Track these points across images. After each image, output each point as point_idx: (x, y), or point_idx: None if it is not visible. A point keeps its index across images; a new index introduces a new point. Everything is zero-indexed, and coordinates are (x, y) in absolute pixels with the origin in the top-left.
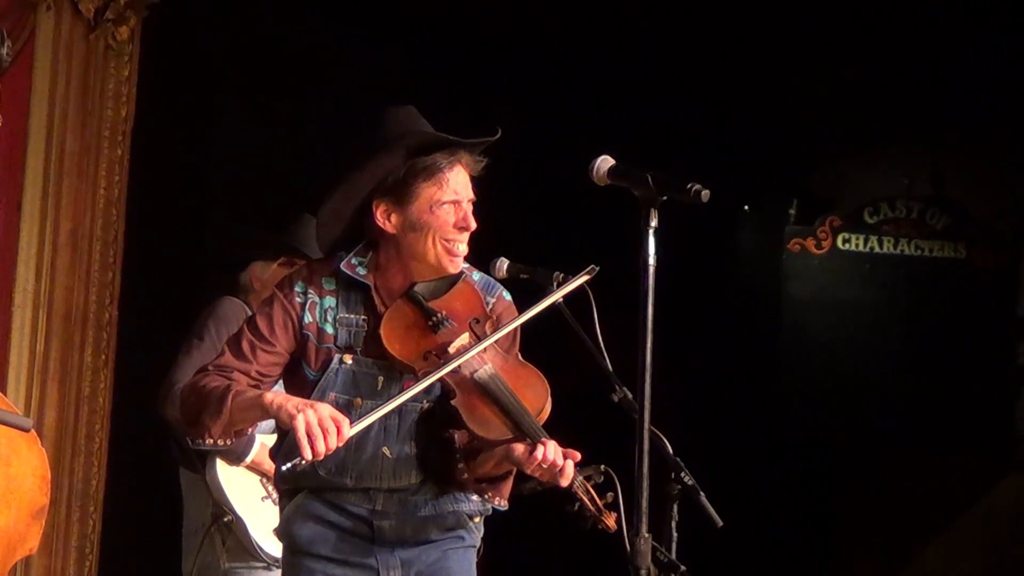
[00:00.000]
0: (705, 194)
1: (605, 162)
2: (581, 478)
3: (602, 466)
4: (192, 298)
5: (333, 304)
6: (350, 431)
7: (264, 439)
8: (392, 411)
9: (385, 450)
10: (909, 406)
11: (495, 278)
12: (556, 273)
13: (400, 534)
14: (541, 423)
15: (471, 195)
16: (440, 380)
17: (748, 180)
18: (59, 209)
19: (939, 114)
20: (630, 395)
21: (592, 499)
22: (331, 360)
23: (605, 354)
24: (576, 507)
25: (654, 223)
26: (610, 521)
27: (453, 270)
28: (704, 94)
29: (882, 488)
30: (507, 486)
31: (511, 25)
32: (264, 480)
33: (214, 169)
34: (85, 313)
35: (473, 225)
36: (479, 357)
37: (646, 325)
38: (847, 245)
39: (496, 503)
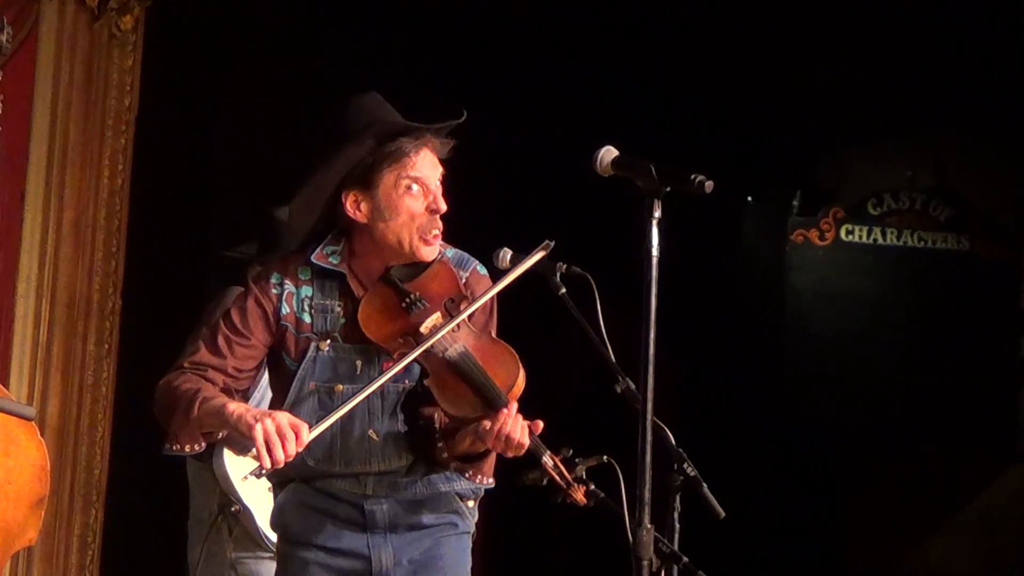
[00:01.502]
0: (709, 185)
1: (609, 153)
2: (549, 453)
3: (605, 457)
4: (195, 287)
5: (309, 293)
6: (310, 435)
7: None
8: (374, 393)
9: (371, 433)
10: (912, 398)
11: (499, 269)
12: (559, 264)
13: (392, 518)
14: (513, 399)
15: (439, 176)
16: (417, 360)
17: (752, 171)
18: (62, 198)
19: (942, 106)
20: (633, 386)
21: (561, 473)
22: (309, 348)
23: (608, 345)
24: (545, 481)
25: (657, 214)
26: (579, 495)
27: (428, 257)
28: (707, 86)
29: (885, 479)
30: (487, 463)
31: (517, 16)
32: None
33: (218, 158)
34: (88, 302)
35: (443, 207)
36: (450, 336)
37: (649, 316)
38: (850, 237)
39: (479, 481)
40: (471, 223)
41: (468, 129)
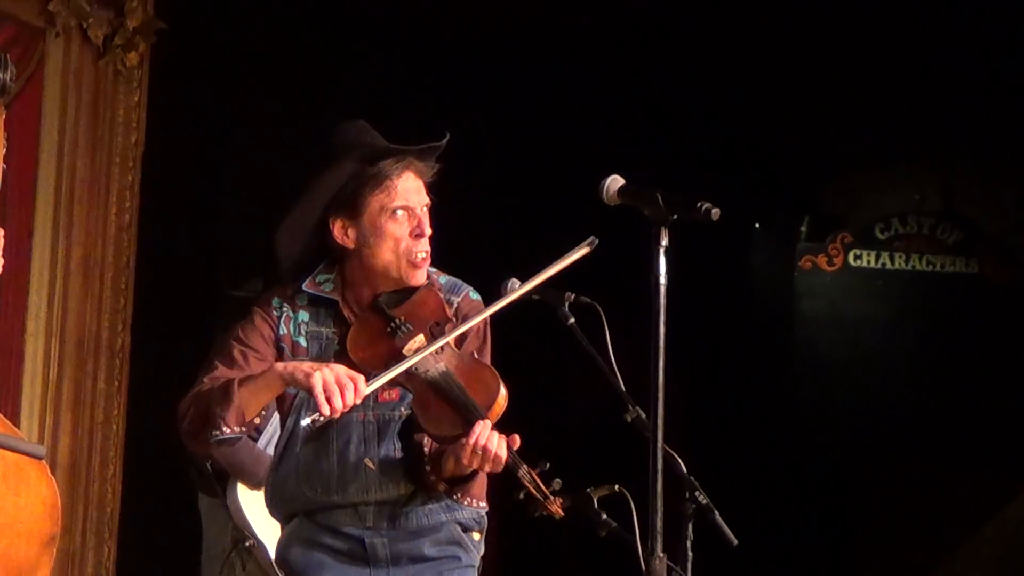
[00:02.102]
0: (715, 212)
1: (615, 182)
2: (526, 467)
3: (616, 486)
4: (204, 323)
5: (306, 319)
6: (367, 388)
7: None
8: (370, 421)
9: (368, 461)
10: (923, 422)
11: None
12: (567, 293)
13: (394, 551)
14: (494, 417)
15: (425, 201)
16: (401, 383)
17: (759, 198)
18: (70, 236)
19: (949, 129)
20: (643, 415)
21: (538, 487)
22: None
23: (618, 374)
24: (522, 495)
25: (665, 242)
26: (555, 507)
27: (417, 281)
28: (714, 112)
29: (897, 504)
30: (476, 486)
31: (526, 46)
32: None
33: (225, 194)
34: (98, 340)
35: (428, 231)
36: (433, 357)
37: (658, 344)
38: (859, 261)
39: (469, 504)
40: (478, 252)
41: (475, 159)
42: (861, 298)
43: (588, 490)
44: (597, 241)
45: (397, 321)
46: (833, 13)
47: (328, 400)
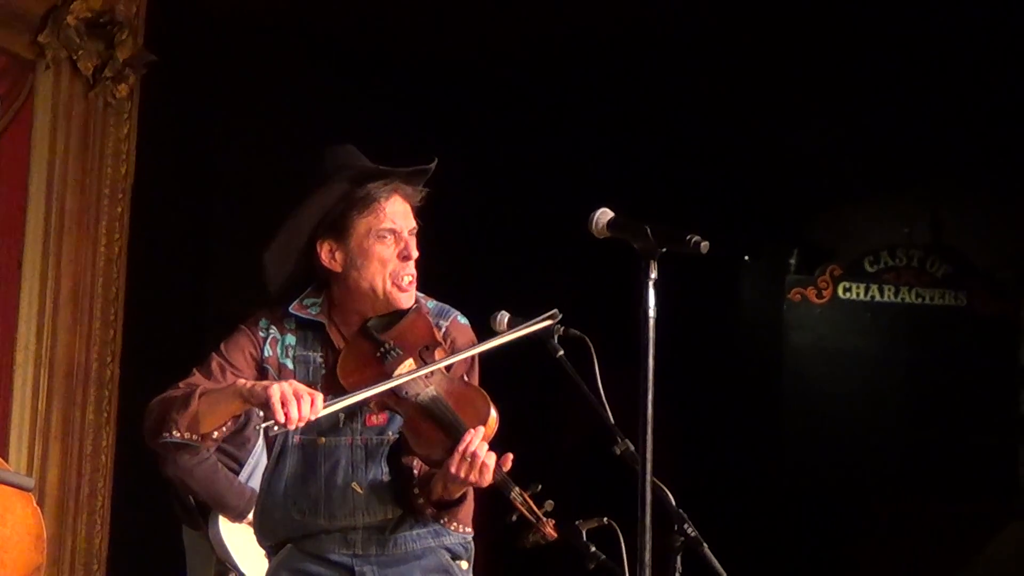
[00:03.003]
0: (704, 245)
1: (604, 215)
2: (518, 489)
3: (605, 518)
4: (193, 355)
5: (293, 342)
6: (324, 409)
7: None
8: (358, 445)
9: (355, 485)
10: (912, 455)
11: (497, 332)
12: (557, 327)
13: None
14: (485, 439)
15: (412, 224)
16: (391, 407)
17: (748, 230)
18: (60, 267)
19: (938, 162)
20: (632, 447)
21: (530, 508)
22: None
23: (607, 406)
24: (514, 517)
25: (654, 275)
26: (548, 529)
27: (404, 304)
28: (704, 145)
29: (885, 537)
30: (463, 511)
31: (515, 81)
32: None
33: (214, 226)
34: (87, 371)
35: (415, 254)
36: (423, 380)
37: (647, 377)
38: (848, 294)
39: (455, 529)
40: (468, 285)
41: (466, 190)
42: (850, 330)
43: (577, 522)
44: (560, 315)
45: (387, 345)
46: (822, 47)
47: (284, 409)
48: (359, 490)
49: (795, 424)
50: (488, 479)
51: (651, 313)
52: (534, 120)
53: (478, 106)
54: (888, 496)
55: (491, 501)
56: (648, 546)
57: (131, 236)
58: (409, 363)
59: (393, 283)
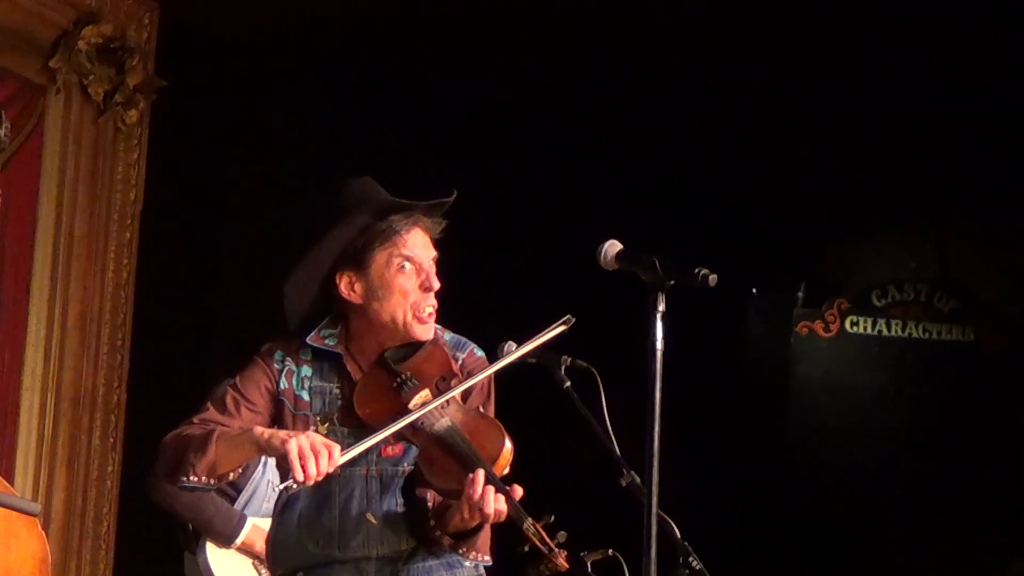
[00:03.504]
0: (712, 279)
1: (613, 247)
2: (530, 520)
3: (610, 550)
4: (200, 381)
5: (309, 373)
6: (341, 458)
7: (256, 520)
8: (373, 476)
9: (369, 516)
10: (918, 488)
11: None
12: (563, 357)
13: None
14: (500, 471)
15: (433, 255)
16: (407, 437)
17: (756, 263)
18: (68, 292)
19: (945, 197)
20: (638, 479)
21: (543, 539)
22: (308, 429)
23: (613, 438)
24: (527, 548)
25: (662, 308)
26: (560, 560)
27: (423, 336)
28: (712, 179)
29: (892, 571)
30: (481, 540)
31: (526, 115)
32: (256, 562)
33: (223, 252)
34: (93, 396)
35: (436, 285)
36: (439, 411)
37: (654, 409)
38: (855, 328)
39: (474, 558)
40: (476, 315)
41: (474, 222)
42: (857, 364)
43: (582, 554)
44: (573, 320)
45: (403, 376)
46: (830, 80)
47: (303, 467)
48: (373, 521)
49: (802, 457)
50: (502, 517)
51: (659, 345)
52: (543, 153)
53: (487, 139)
54: (895, 530)
55: (499, 531)
56: None
57: (139, 262)
58: (425, 394)
59: (414, 315)
